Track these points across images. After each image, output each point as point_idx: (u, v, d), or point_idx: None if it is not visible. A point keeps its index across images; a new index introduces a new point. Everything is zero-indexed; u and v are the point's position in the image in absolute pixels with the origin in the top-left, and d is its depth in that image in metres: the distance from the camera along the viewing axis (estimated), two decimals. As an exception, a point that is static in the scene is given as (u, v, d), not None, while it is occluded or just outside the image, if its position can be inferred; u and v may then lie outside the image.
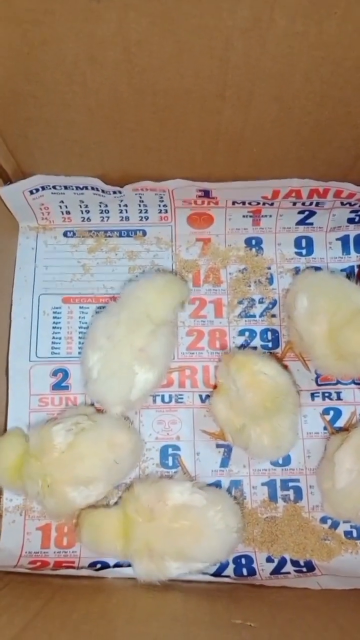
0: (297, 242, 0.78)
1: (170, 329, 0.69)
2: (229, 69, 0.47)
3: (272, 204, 0.74)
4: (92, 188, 0.69)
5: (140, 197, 0.72)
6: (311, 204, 0.73)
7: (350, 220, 0.77)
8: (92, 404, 0.71)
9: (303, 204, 0.73)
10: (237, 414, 0.63)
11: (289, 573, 0.67)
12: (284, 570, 0.67)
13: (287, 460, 0.72)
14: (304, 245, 0.78)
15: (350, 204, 0.72)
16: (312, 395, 0.73)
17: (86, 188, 0.69)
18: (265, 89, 0.49)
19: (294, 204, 0.73)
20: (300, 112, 0.52)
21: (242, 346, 0.75)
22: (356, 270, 0.76)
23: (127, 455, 0.62)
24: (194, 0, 0.39)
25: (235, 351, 0.71)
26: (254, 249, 0.78)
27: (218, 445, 0.72)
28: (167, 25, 0.43)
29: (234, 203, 0.75)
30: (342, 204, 0.73)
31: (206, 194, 0.71)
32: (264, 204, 0.74)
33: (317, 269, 0.77)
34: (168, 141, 0.58)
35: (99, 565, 0.67)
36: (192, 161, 0.64)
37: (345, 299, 0.64)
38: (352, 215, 0.76)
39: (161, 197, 0.73)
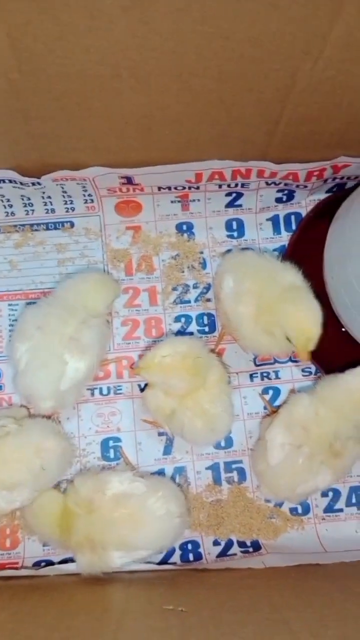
0: (228, 225, 0.78)
1: (103, 320, 0.68)
2: (119, 49, 0.46)
3: (197, 188, 0.73)
4: (10, 181, 0.67)
5: (63, 188, 0.71)
6: (236, 185, 0.73)
7: (278, 200, 0.77)
8: (25, 406, 0.69)
9: (228, 185, 0.73)
10: (165, 400, 0.62)
11: (235, 554, 0.67)
12: (230, 552, 0.68)
13: (229, 442, 0.72)
14: (235, 228, 0.78)
15: (275, 183, 0.72)
16: (251, 376, 0.74)
17: (3, 181, 0.67)
18: (161, 68, 0.48)
19: (220, 186, 0.73)
20: (201, 89, 0.52)
21: (179, 332, 0.75)
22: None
23: (56, 460, 0.61)
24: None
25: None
26: (185, 235, 0.77)
27: (160, 434, 0.72)
28: (47, 5, 0.41)
29: (159, 189, 0.74)
30: (267, 183, 0.72)
31: (129, 180, 0.70)
32: (189, 188, 0.73)
33: (250, 249, 0.77)
34: (76, 127, 0.57)
35: (43, 564, 0.66)
36: (107, 147, 0.63)
37: (271, 279, 0.64)
38: (279, 195, 0.76)
39: (84, 187, 0.71)
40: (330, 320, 0.65)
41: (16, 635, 0.40)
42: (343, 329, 0.66)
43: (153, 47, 0.46)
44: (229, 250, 0.77)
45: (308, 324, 0.60)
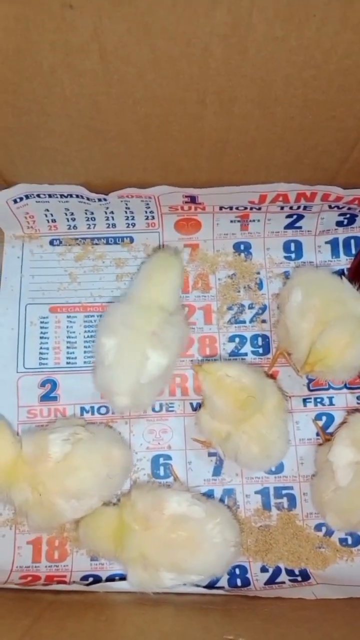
0: (286, 246, 0.77)
1: (182, 317, 0.69)
2: (209, 76, 0.46)
3: (259, 209, 0.73)
4: (77, 196, 0.68)
5: (126, 204, 0.72)
6: (299, 207, 0.72)
7: (339, 224, 0.76)
8: (82, 416, 0.70)
9: (291, 207, 0.72)
10: (221, 423, 0.62)
11: (283, 582, 0.66)
12: (278, 579, 0.66)
13: (280, 467, 0.71)
14: (293, 249, 0.77)
15: (338, 207, 0.72)
16: (304, 401, 0.73)
17: (71, 196, 0.68)
18: (247, 95, 0.48)
19: (282, 208, 0.73)
20: (283, 116, 0.51)
21: (233, 353, 0.74)
22: (346, 272, 0.75)
23: (120, 469, 0.61)
24: (169, 5, 0.38)
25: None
26: (242, 254, 0.77)
27: (210, 454, 0.71)
28: (142, 31, 0.42)
29: (221, 208, 0.74)
30: (330, 207, 0.72)
31: (192, 199, 0.70)
32: (251, 208, 0.73)
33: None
34: (151, 148, 0.58)
35: (90, 579, 0.66)
36: (177, 167, 0.63)
37: (339, 302, 0.63)
38: (341, 219, 0.76)
39: (147, 204, 0.72)
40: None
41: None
42: None
43: (243, 74, 0.46)
44: (286, 272, 0.77)
45: (333, 346, 0.61)
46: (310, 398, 0.73)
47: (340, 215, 0.75)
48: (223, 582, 0.66)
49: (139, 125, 0.53)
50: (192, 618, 0.51)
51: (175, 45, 0.43)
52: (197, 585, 0.63)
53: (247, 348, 0.74)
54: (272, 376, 0.72)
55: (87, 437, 0.61)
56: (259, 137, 0.55)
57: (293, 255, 0.77)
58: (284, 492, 0.70)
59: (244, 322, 0.75)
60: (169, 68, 0.45)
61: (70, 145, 0.58)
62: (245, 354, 0.74)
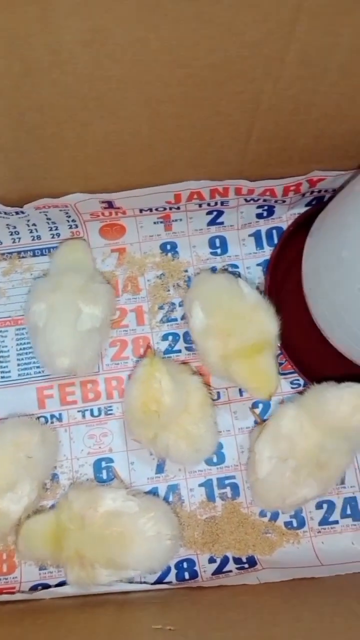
0: (211, 243, 0.79)
1: (102, 279, 0.73)
2: (83, 81, 0.47)
3: (178, 208, 0.75)
4: (-5, 211, 0.69)
5: (46, 215, 0.73)
6: (216, 204, 0.74)
7: (259, 216, 0.78)
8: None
9: (208, 204, 0.74)
10: (149, 425, 0.63)
11: (230, 571, 0.67)
12: (225, 569, 0.67)
13: (221, 458, 0.72)
14: (219, 245, 0.79)
15: (253, 199, 0.74)
16: (240, 391, 0.74)
17: (-11, 212, 0.69)
18: (128, 97, 0.50)
19: (200, 205, 0.74)
20: (170, 115, 0.53)
21: (167, 351, 0.75)
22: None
23: (37, 446, 0.62)
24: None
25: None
26: (169, 254, 0.78)
27: (152, 453, 0.72)
28: (11, 45, 0.43)
29: (141, 211, 0.75)
30: (246, 200, 0.74)
31: (110, 204, 0.72)
32: (170, 208, 0.75)
33: (234, 266, 0.78)
34: (53, 157, 0.59)
35: (40, 588, 0.66)
36: (85, 174, 0.64)
37: (240, 313, 0.65)
38: (260, 211, 0.78)
39: (67, 213, 0.73)
40: (315, 331, 0.66)
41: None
42: (327, 341, 0.66)
43: (118, 77, 0.47)
44: (213, 267, 0.78)
45: (263, 389, 0.65)
46: (245, 387, 0.74)
47: (258, 207, 0.77)
48: (171, 577, 0.67)
49: (33, 136, 0.54)
50: (128, 614, 0.51)
51: (42, 55, 0.44)
52: (144, 583, 0.64)
53: (181, 345, 0.76)
54: (200, 373, 0.72)
55: None
56: (154, 137, 0.57)
57: (219, 251, 0.79)
58: (226, 482, 0.71)
59: (176, 319, 0.76)
60: (42, 77, 0.46)
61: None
62: (179, 351, 0.75)
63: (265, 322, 0.66)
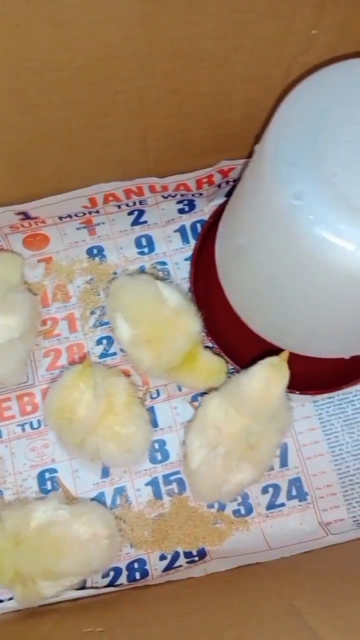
0: (138, 242, 0.79)
1: (24, 289, 0.72)
2: None
3: (98, 212, 0.75)
4: None
5: (-34, 232, 0.72)
6: (134, 203, 0.74)
7: (181, 211, 0.79)
8: None
9: (127, 205, 0.74)
10: (74, 430, 0.63)
11: (180, 566, 0.67)
12: (176, 564, 0.67)
13: (165, 454, 0.72)
14: (145, 244, 0.79)
15: (171, 195, 0.74)
16: (179, 386, 0.74)
17: None
18: (6, 107, 0.50)
19: (119, 207, 0.75)
20: (56, 120, 0.53)
21: (102, 354, 0.75)
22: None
23: None
24: None
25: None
26: (96, 258, 0.79)
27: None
28: None
29: (61, 218, 0.75)
30: (163, 197, 0.74)
31: (26, 215, 0.72)
32: (90, 212, 0.75)
33: (163, 263, 0.79)
34: None
35: (-8, 606, 0.65)
36: (-5, 187, 0.64)
37: (168, 325, 0.65)
38: (181, 206, 0.78)
39: (-14, 228, 0.73)
40: (238, 318, 0.66)
41: None
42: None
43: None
44: (141, 266, 0.78)
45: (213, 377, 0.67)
46: (183, 382, 0.74)
47: (178, 203, 0.78)
48: (123, 578, 0.67)
49: None
50: (65, 620, 0.51)
51: None
52: (94, 587, 0.64)
53: (116, 347, 0.76)
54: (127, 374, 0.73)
55: None
56: (48, 144, 0.57)
57: (146, 250, 0.79)
58: (172, 478, 0.71)
59: (108, 323, 0.76)
60: None
61: None
62: (115, 354, 0.75)
63: (189, 325, 0.66)
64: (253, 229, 0.49)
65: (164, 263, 0.79)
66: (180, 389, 0.74)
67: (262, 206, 0.45)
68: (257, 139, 0.49)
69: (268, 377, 0.57)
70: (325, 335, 0.54)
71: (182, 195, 0.74)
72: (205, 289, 0.73)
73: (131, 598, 0.56)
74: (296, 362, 0.62)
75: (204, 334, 0.69)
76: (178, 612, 0.46)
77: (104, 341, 0.76)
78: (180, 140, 0.61)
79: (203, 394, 0.73)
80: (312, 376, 0.69)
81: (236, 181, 0.74)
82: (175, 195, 0.74)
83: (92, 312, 0.77)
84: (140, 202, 0.75)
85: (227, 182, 0.74)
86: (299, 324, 0.55)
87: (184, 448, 0.68)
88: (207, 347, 0.71)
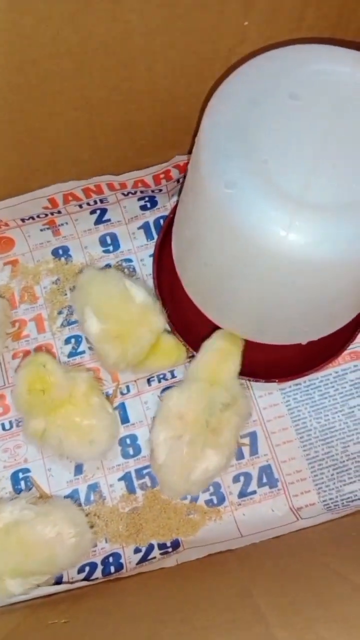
0: (102, 241, 0.80)
1: None
2: None
3: (60, 212, 0.75)
4: None
5: None
6: (95, 202, 0.75)
7: (143, 208, 0.80)
8: None
9: (88, 204, 0.75)
10: (35, 422, 0.64)
11: (154, 558, 0.68)
12: (150, 556, 0.68)
13: (137, 449, 0.73)
14: (110, 242, 0.80)
15: (131, 193, 0.75)
16: (149, 381, 0.75)
17: None
18: None
19: (80, 206, 0.75)
20: (5, 123, 0.54)
21: (71, 354, 0.76)
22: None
23: None
24: None
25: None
26: (62, 258, 0.79)
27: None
28: None
29: (23, 220, 0.76)
30: (124, 194, 0.75)
31: (-13, 219, 0.72)
32: (52, 213, 0.75)
33: (128, 260, 0.79)
34: None
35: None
36: None
37: (135, 323, 0.66)
38: (142, 203, 0.79)
39: None
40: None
41: None
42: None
43: None
44: (107, 264, 0.79)
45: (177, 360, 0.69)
46: (153, 377, 0.75)
47: (140, 200, 0.78)
48: (98, 573, 0.67)
49: None
50: (37, 615, 0.52)
51: None
52: (66, 582, 0.64)
53: (84, 346, 0.76)
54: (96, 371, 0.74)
55: None
56: (3, 148, 0.57)
57: (111, 248, 0.80)
58: (144, 471, 0.72)
59: (76, 322, 0.77)
60: None
61: None
62: (83, 352, 0.76)
63: (154, 322, 0.67)
64: (197, 220, 0.50)
65: (129, 260, 0.80)
66: (149, 384, 0.75)
67: (201, 197, 0.46)
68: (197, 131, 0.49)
69: (222, 347, 0.60)
70: (275, 321, 0.54)
71: (142, 192, 0.75)
72: (170, 283, 0.74)
73: (100, 590, 0.56)
74: (259, 350, 0.64)
75: (167, 327, 0.70)
76: (143, 601, 0.47)
77: (72, 340, 0.77)
78: (130, 137, 0.62)
79: (173, 387, 0.74)
80: (276, 364, 0.70)
81: (194, 175, 0.75)
82: (136, 192, 0.75)
83: (60, 312, 0.77)
84: (101, 201, 0.75)
85: (185, 178, 0.75)
86: (250, 312, 0.55)
87: (149, 445, 0.68)
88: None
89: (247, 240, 0.42)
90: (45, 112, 0.55)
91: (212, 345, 0.60)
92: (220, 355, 0.60)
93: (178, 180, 0.75)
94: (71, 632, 0.43)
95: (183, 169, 0.72)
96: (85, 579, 0.66)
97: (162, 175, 0.71)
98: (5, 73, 0.47)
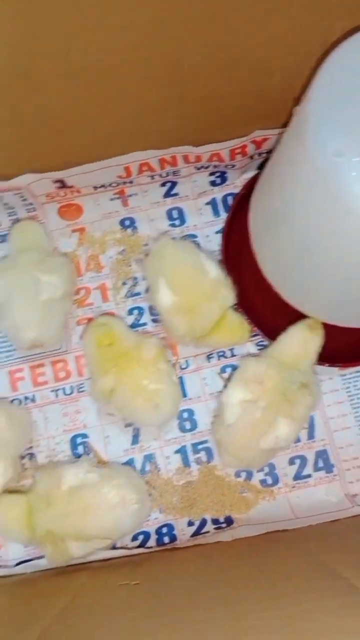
0: (169, 215, 0.80)
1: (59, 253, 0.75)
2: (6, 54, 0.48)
3: (131, 182, 0.75)
4: None
5: (2, 200, 0.74)
6: (167, 174, 0.75)
7: (213, 183, 0.79)
8: None
9: (160, 175, 0.75)
10: (102, 378, 0.64)
11: (208, 532, 0.68)
12: (204, 530, 0.68)
13: (194, 424, 0.73)
14: (176, 216, 0.80)
15: (204, 167, 0.74)
16: (208, 357, 0.75)
17: None
18: (60, 66, 0.51)
19: (152, 177, 0.75)
20: (99, 84, 0.54)
21: (133, 325, 0.76)
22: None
23: (5, 427, 0.64)
24: None
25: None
26: (129, 230, 0.79)
27: (127, 425, 0.73)
28: None
29: (95, 188, 0.76)
30: (197, 168, 0.74)
31: (63, 184, 0.73)
32: (124, 183, 0.75)
33: (193, 236, 0.79)
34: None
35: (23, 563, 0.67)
36: (32, 154, 0.65)
37: (206, 296, 0.66)
38: (213, 178, 0.78)
39: (22, 197, 0.74)
40: (271, 290, 0.66)
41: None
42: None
43: (41, 50, 0.48)
44: (173, 239, 0.78)
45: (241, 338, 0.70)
46: (212, 353, 0.75)
47: (211, 175, 0.78)
48: (152, 542, 0.68)
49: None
50: (102, 576, 0.53)
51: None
52: (123, 548, 0.65)
53: (147, 318, 0.77)
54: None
55: None
56: (87, 109, 0.57)
57: (177, 222, 0.80)
58: (200, 447, 0.72)
59: (139, 294, 0.77)
60: None
61: None
62: (145, 324, 0.76)
63: (224, 297, 0.68)
64: (290, 191, 0.49)
65: (194, 236, 0.79)
66: (209, 360, 0.75)
67: (302, 166, 0.45)
68: (297, 101, 0.48)
69: (305, 336, 0.60)
70: (357, 302, 0.53)
71: (215, 166, 0.74)
72: (236, 261, 0.73)
73: (160, 558, 0.57)
74: (326, 334, 0.63)
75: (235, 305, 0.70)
76: (207, 569, 0.47)
77: (135, 311, 0.77)
78: (217, 108, 0.61)
79: (232, 366, 0.74)
80: (341, 349, 0.69)
81: (269, 152, 0.74)
82: (208, 166, 0.74)
83: (124, 283, 0.78)
84: (174, 173, 0.75)
85: (260, 154, 0.74)
86: (331, 291, 0.55)
87: (217, 408, 0.68)
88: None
89: (351, 211, 0.42)
90: (138, 75, 0.54)
91: (298, 333, 0.61)
92: (305, 342, 0.61)
93: (252, 157, 0.74)
94: (143, 594, 0.44)
95: (260, 145, 0.71)
96: (139, 547, 0.67)
97: (238, 150, 0.70)
98: (102, 35, 0.47)
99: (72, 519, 0.58)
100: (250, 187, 0.75)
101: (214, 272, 0.67)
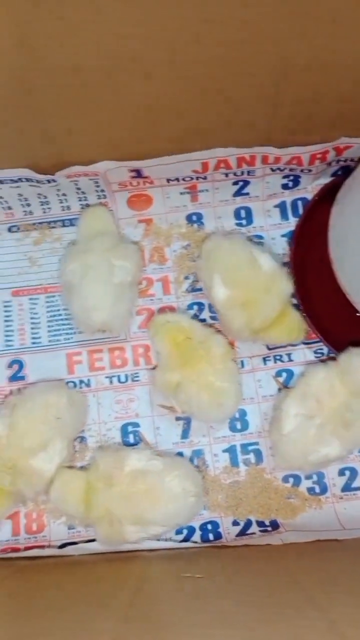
0: (237, 214, 0.80)
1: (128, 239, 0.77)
2: (115, 39, 0.48)
3: (205, 178, 0.75)
4: (27, 180, 0.71)
5: (76, 184, 0.74)
6: (242, 173, 0.75)
7: (285, 186, 0.79)
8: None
9: (235, 174, 0.75)
10: (170, 373, 0.64)
11: (254, 533, 0.68)
12: (249, 531, 0.68)
13: (245, 424, 0.73)
14: (244, 216, 0.80)
15: (280, 169, 0.74)
16: (264, 360, 0.75)
17: (21, 180, 0.71)
18: (159, 57, 0.51)
19: (227, 175, 0.75)
20: (196, 76, 0.54)
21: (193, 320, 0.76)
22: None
23: (66, 409, 0.64)
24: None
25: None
26: (195, 225, 0.79)
27: (177, 419, 0.73)
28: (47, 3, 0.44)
29: (168, 181, 0.76)
30: (272, 170, 0.74)
31: (139, 173, 0.73)
32: (197, 178, 0.75)
33: (259, 237, 0.79)
34: (89, 123, 0.60)
35: (68, 546, 0.68)
36: (117, 141, 0.65)
37: (263, 290, 0.67)
38: (285, 181, 0.78)
39: (96, 183, 0.74)
40: (340, 300, 0.66)
41: (38, 601, 0.42)
42: (353, 309, 0.67)
43: (148, 36, 0.48)
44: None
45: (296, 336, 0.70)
46: (269, 356, 0.75)
47: (284, 177, 0.77)
48: (196, 537, 0.68)
49: (68, 98, 0.56)
50: (156, 565, 0.53)
51: (79, 13, 0.45)
52: (168, 540, 0.65)
53: (206, 314, 0.77)
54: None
55: (19, 400, 0.64)
56: (182, 100, 0.58)
57: (244, 222, 0.80)
58: (250, 448, 0.72)
59: (201, 289, 0.77)
60: (75, 35, 0.47)
61: (9, 126, 0.60)
62: (204, 320, 0.76)
63: (281, 289, 0.68)
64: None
65: (260, 237, 0.79)
66: (265, 362, 0.75)
67: None
68: None
69: None
70: None
71: (290, 170, 0.74)
72: (302, 266, 0.73)
73: (214, 554, 0.57)
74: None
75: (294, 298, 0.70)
76: (261, 571, 0.47)
77: (195, 307, 0.77)
78: (309, 112, 0.61)
79: (287, 370, 0.74)
80: None
81: (347, 160, 0.73)
82: (284, 169, 0.74)
83: (186, 277, 0.78)
84: (249, 173, 0.75)
85: (338, 161, 0.74)
86: None
87: (274, 413, 0.68)
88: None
89: None
90: (240, 72, 0.54)
91: None
92: None
93: (329, 163, 0.74)
94: (209, 585, 0.44)
95: (341, 152, 0.70)
96: (183, 541, 0.67)
97: (319, 155, 0.70)
98: (212, 29, 0.47)
99: (132, 502, 0.58)
100: (324, 193, 0.75)
101: (268, 264, 0.68)
